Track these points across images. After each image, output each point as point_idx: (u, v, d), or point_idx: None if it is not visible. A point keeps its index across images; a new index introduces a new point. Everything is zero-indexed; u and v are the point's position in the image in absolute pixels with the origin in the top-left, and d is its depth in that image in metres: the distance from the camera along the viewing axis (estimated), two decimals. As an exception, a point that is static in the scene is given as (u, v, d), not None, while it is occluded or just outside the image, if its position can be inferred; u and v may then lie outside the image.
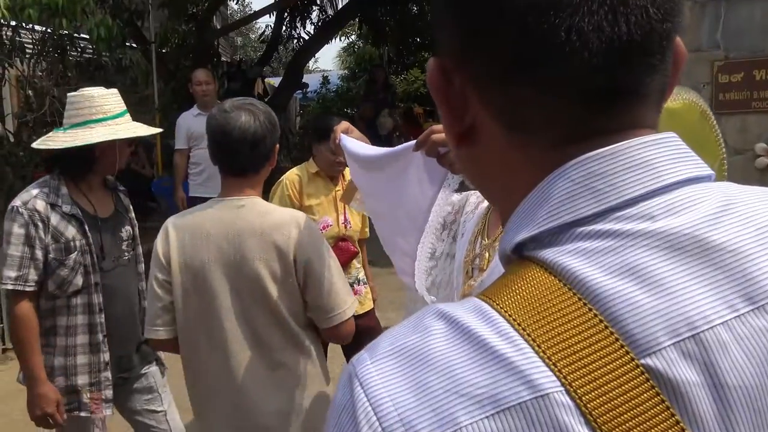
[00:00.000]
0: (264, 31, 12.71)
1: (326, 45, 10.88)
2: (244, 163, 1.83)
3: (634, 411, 0.39)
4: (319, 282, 1.83)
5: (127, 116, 2.33)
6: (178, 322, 1.85)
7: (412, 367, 0.43)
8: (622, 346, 0.40)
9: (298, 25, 10.74)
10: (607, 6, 0.44)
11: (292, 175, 3.20)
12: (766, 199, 0.47)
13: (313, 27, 10.91)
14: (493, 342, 0.42)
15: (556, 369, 0.40)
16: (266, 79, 11.87)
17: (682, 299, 0.42)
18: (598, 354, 0.40)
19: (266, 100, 10.54)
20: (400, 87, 15.28)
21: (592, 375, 0.40)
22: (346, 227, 3.22)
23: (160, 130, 3.07)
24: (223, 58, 11.55)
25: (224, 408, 1.83)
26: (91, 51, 6.03)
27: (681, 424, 0.39)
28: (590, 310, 0.42)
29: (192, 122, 5.43)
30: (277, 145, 1.90)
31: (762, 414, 0.41)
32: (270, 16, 10.44)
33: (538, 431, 0.39)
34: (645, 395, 0.39)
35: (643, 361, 0.40)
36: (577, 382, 0.40)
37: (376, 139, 10.25)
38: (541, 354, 0.41)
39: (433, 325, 0.44)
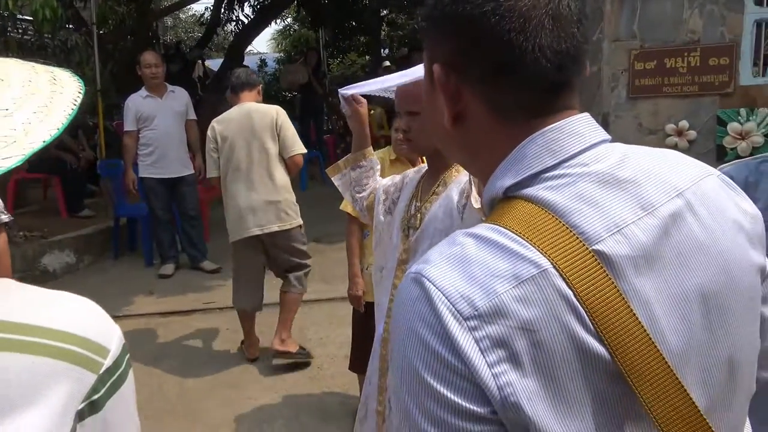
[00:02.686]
0: (204, 13, 12.60)
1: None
2: (238, 86, 3.98)
3: (590, 277, 0.65)
4: (286, 133, 3.92)
5: None
6: (222, 166, 3.95)
7: (460, 265, 0.67)
8: (580, 241, 0.67)
9: (237, 8, 10.72)
10: (555, 32, 0.72)
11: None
12: (643, 152, 0.78)
13: (251, 10, 10.91)
14: (509, 244, 0.67)
15: (547, 255, 0.66)
16: (205, 62, 11.78)
17: (610, 210, 0.70)
18: (567, 246, 0.67)
19: (207, 83, 10.49)
20: (337, 70, 15.43)
21: (567, 257, 0.66)
22: None
23: None
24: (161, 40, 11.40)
25: (243, 198, 3.89)
26: (32, 32, 5.98)
27: (615, 286, 0.66)
28: (559, 221, 0.69)
29: (141, 104, 5.48)
30: (260, 85, 4.12)
31: (665, 266, 0.70)
32: (208, -2, 10.34)
33: (544, 291, 0.65)
34: (593, 266, 0.66)
35: (593, 247, 0.67)
36: (559, 262, 0.66)
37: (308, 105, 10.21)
38: (537, 248, 0.66)
39: (464, 240, 0.70)
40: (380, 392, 1.97)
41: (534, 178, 0.73)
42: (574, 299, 0.65)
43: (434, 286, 0.66)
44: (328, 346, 4.27)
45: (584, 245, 0.67)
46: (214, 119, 3.93)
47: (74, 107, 0.68)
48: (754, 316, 0.79)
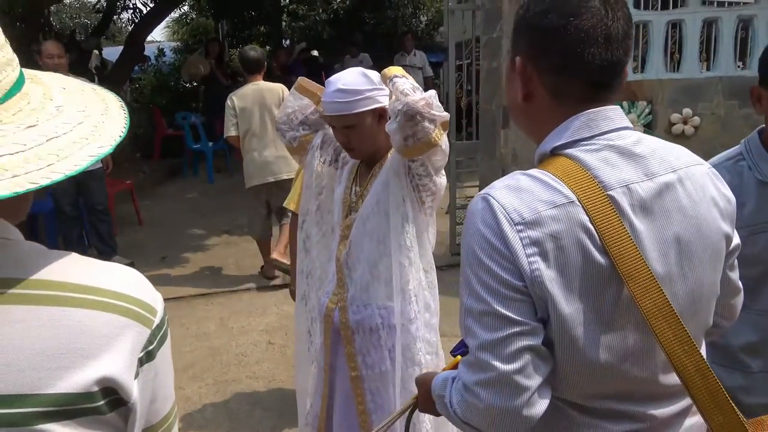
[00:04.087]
0: (98, 1, 12.00)
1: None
2: (252, 69, 5.13)
3: (602, 210, 0.97)
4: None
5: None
6: (240, 130, 5.10)
7: (515, 191, 0.99)
8: (600, 187, 0.98)
9: (134, -5, 10.36)
10: (604, 46, 1.01)
11: None
12: (653, 140, 1.08)
13: (149, -2, 10.58)
14: (550, 182, 0.99)
15: (575, 192, 0.97)
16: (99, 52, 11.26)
17: (622, 172, 1.01)
18: (590, 189, 0.98)
19: (105, 73, 10.09)
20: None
21: (588, 195, 0.97)
22: None
23: None
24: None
25: (258, 155, 5.11)
26: None
27: (620, 218, 0.97)
28: (586, 172, 1.00)
29: (42, 96, 5.29)
30: (266, 63, 5.31)
31: (655, 217, 1.00)
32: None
33: (569, 214, 0.96)
34: (606, 204, 0.97)
35: (607, 193, 0.99)
36: (582, 198, 0.97)
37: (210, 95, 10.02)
38: (569, 187, 0.98)
39: (520, 177, 1.02)
40: (350, 359, 2.15)
41: (574, 144, 1.04)
42: (589, 223, 0.97)
43: (496, 201, 0.99)
44: (251, 334, 4.38)
45: (601, 190, 0.99)
46: (232, 93, 5.14)
47: (111, 146, 0.78)
48: (715, 267, 1.09)
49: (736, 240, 1.16)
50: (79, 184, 5.51)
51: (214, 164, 9.34)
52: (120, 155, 8.65)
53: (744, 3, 5.11)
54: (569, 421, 1.05)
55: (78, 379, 0.71)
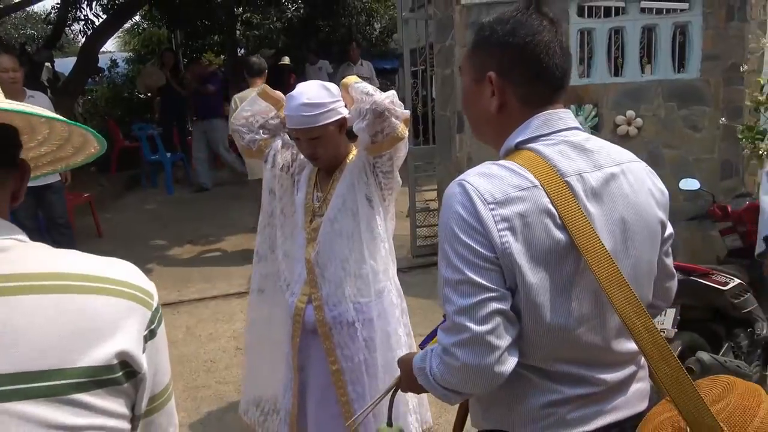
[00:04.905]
0: (50, 12, 11.79)
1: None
2: (253, 73, 5.76)
3: (561, 192, 1.14)
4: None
5: None
6: None
7: (487, 177, 1.15)
8: (558, 175, 1.16)
9: (84, 6, 10.22)
10: (560, 56, 1.21)
11: None
12: (598, 139, 1.27)
13: (101, 9, 10.46)
14: (517, 170, 1.16)
15: (537, 178, 1.14)
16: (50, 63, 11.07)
17: (576, 163, 1.19)
18: (549, 176, 1.15)
19: (58, 86, 9.94)
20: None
21: (548, 181, 1.15)
22: None
23: None
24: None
25: None
26: None
27: (576, 202, 1.14)
28: (546, 162, 1.17)
29: (-2, 110, 5.24)
30: (266, 71, 5.87)
31: (602, 201, 1.18)
32: (52, -4, 9.74)
33: (533, 196, 1.13)
34: (564, 188, 1.15)
35: (564, 179, 1.16)
36: (543, 182, 1.14)
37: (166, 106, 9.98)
38: (532, 174, 1.15)
39: (490, 166, 1.18)
40: (329, 354, 2.27)
41: (534, 139, 1.22)
42: (550, 205, 1.13)
43: (471, 185, 1.15)
44: (219, 340, 4.45)
45: (559, 177, 1.16)
46: (236, 94, 5.70)
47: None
48: (652, 247, 1.27)
49: (670, 229, 1.34)
50: (38, 197, 5.48)
51: (173, 175, 9.32)
52: (75, 169, 8.55)
53: (681, 10, 5.43)
54: (531, 385, 1.20)
55: (100, 354, 0.83)
